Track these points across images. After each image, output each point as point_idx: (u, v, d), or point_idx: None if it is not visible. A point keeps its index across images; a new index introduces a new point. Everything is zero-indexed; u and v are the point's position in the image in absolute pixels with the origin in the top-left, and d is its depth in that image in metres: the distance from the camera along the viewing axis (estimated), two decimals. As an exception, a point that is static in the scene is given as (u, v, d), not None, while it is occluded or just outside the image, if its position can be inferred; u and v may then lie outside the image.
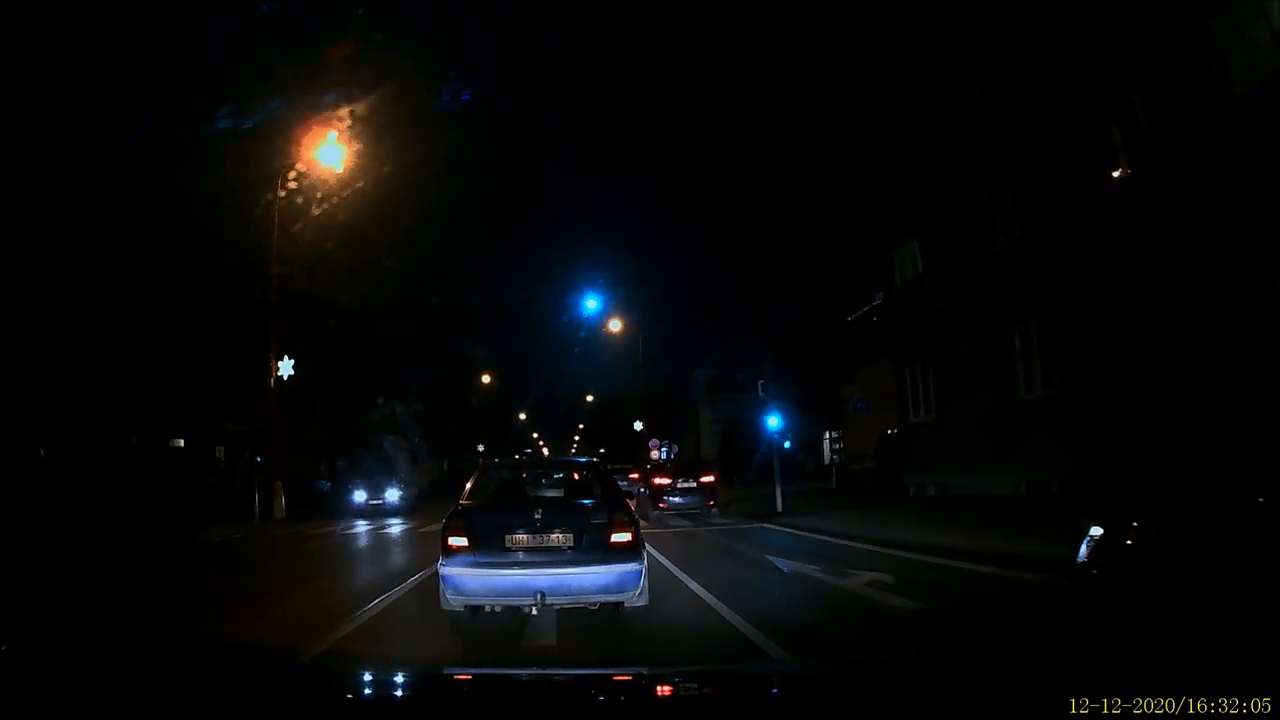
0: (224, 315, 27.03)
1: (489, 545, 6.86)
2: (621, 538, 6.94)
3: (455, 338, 54.33)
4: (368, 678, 3.03)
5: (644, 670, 3.31)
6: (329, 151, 23.05)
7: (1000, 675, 2.71)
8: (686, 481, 22.27)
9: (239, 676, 2.72)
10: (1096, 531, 5.23)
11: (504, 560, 6.81)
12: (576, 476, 9.43)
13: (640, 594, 6.92)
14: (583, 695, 2.58)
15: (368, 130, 22.61)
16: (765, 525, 17.96)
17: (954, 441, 19.29)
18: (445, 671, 3.66)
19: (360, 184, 25.04)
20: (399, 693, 2.72)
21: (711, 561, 12.04)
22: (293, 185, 23.34)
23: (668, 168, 49.18)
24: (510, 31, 39.61)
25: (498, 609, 6.98)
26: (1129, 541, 4.98)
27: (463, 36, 36.44)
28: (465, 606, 6.95)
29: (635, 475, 27.08)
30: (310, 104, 21.91)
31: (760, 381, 21.77)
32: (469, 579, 6.79)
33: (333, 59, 21.06)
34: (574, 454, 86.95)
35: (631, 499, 15.21)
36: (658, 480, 22.80)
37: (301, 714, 2.27)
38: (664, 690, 2.64)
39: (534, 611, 6.79)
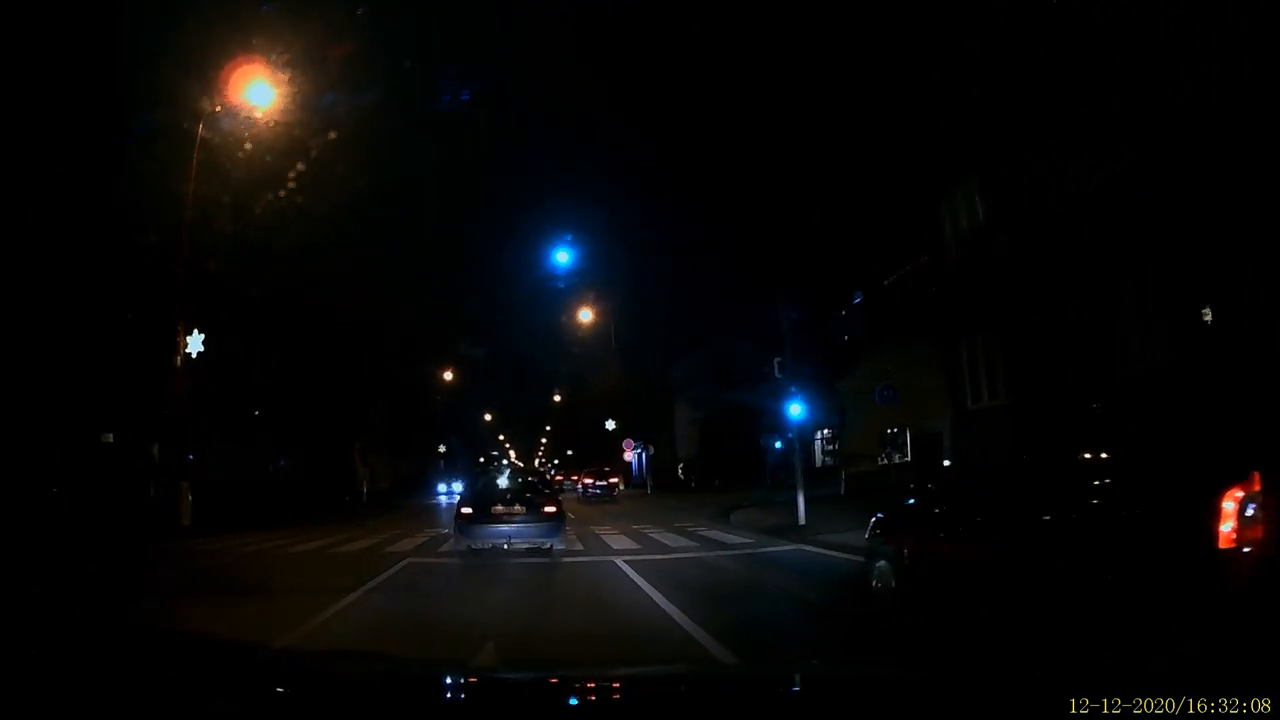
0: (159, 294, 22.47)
1: (483, 512, 11.92)
2: (550, 510, 12.10)
3: (418, 334, 48.82)
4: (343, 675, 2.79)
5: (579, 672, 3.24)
6: (260, 92, 18.68)
7: (1001, 675, 2.60)
8: (602, 481, 35.82)
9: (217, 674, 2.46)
10: (879, 515, 7.18)
11: (490, 520, 11.82)
12: (529, 479, 15.10)
13: (560, 542, 12.05)
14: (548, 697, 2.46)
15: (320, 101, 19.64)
16: (802, 547, 12.81)
17: (1030, 431, 14.24)
18: (427, 672, 3.17)
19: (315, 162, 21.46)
20: (385, 693, 2.37)
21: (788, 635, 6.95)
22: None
23: (649, 149, 44.05)
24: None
25: (486, 547, 11.71)
26: (885, 528, 6.91)
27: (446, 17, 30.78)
28: (468, 547, 11.72)
29: (575, 477, 42.07)
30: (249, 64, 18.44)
31: (777, 360, 16.72)
32: (473, 529, 11.75)
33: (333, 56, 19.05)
34: (541, 455, 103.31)
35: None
36: (585, 480, 37.24)
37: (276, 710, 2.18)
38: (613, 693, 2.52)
39: (506, 547, 11.61)
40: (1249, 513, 3.85)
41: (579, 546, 13.75)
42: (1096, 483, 4.90)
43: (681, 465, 45.92)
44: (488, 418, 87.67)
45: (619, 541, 14.39)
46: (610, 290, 42.43)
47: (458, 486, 37.31)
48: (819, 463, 35.88)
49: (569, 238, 17.45)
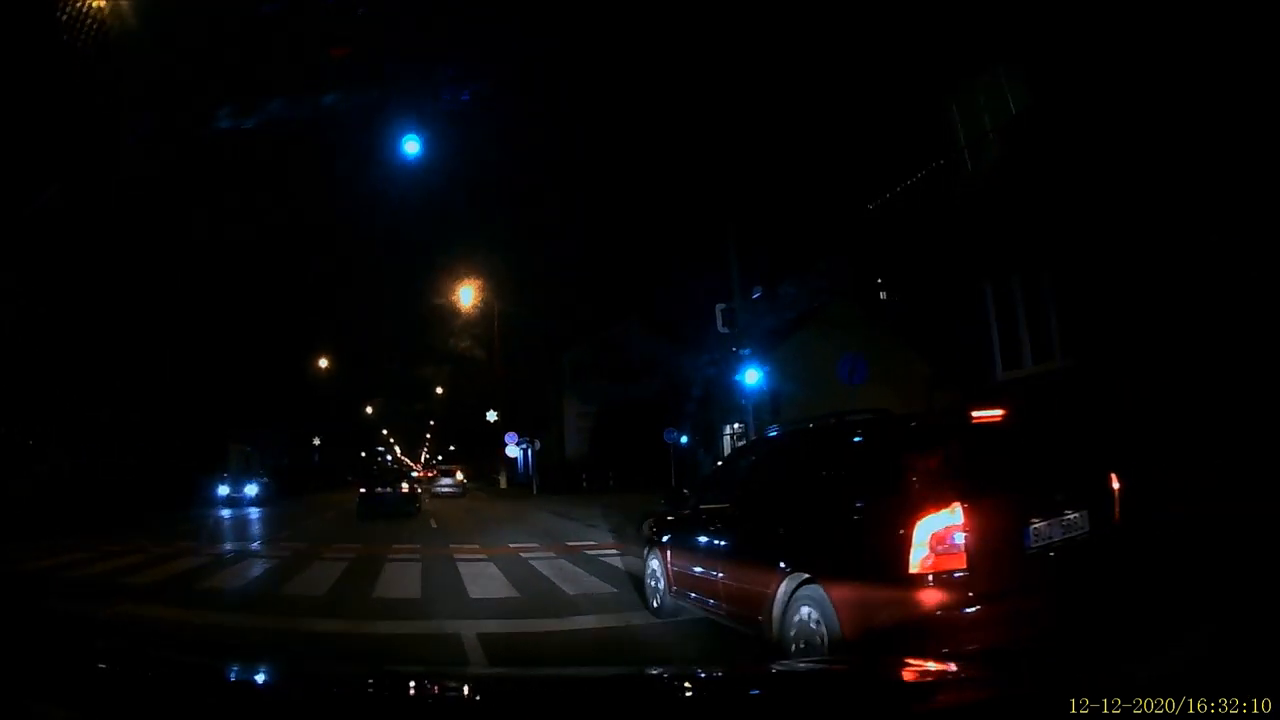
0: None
1: (370, 492, 19.91)
2: (406, 490, 20.88)
3: (293, 318, 41.11)
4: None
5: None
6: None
7: (1002, 675, 2.40)
8: (449, 479, 37.45)
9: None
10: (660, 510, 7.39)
11: (374, 498, 19.74)
12: (399, 470, 25.23)
13: (419, 511, 21.06)
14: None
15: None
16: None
17: (1099, 405, 9.18)
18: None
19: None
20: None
21: None
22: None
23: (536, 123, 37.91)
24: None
25: (376, 513, 18.97)
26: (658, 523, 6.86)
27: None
28: (365, 517, 18.55)
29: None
30: None
31: (721, 307, 11.18)
32: (365, 501, 19.71)
33: None
34: (426, 450, 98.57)
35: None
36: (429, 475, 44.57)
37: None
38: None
39: (384, 511, 19.18)
40: (951, 540, 3.62)
41: (413, 593, 7.80)
42: (830, 488, 4.54)
43: (571, 462, 40.02)
44: (369, 410, 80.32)
45: (484, 581, 8.50)
46: (495, 271, 36.59)
47: (251, 490, 28.61)
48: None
49: (416, 123, 11.45)
